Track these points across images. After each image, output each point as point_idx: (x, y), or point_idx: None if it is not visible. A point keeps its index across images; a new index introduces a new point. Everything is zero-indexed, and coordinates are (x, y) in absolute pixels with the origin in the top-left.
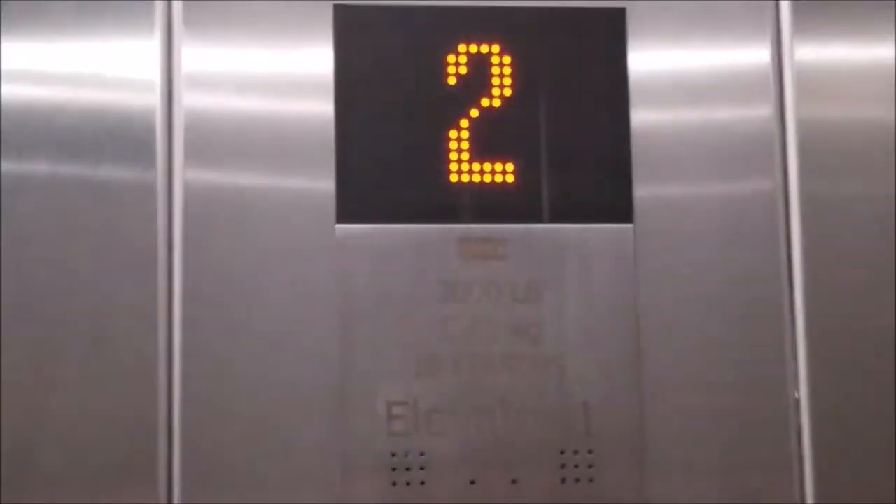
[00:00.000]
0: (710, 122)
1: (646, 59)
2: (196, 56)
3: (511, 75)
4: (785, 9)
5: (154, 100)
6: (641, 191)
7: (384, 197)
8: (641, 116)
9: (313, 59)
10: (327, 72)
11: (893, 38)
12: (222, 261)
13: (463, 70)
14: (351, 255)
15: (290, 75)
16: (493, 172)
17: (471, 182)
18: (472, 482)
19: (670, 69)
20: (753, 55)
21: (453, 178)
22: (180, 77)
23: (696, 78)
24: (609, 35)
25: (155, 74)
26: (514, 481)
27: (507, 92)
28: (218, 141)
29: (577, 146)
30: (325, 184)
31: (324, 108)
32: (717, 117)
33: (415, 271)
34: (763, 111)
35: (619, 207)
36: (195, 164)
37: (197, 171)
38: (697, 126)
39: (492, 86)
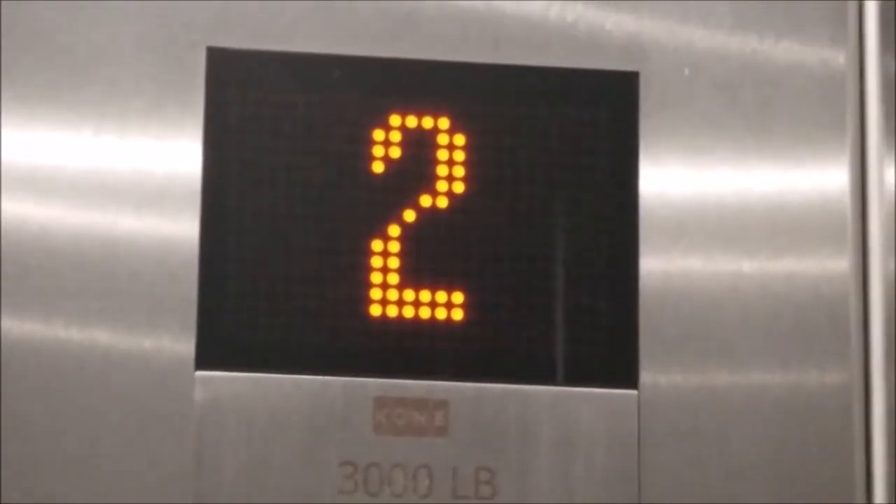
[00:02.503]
0: (760, 276)
1: (665, 164)
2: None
3: (465, 163)
4: (873, 103)
5: None
6: (653, 346)
7: (265, 334)
8: (653, 246)
9: (172, 137)
10: (192, 156)
11: None
12: (17, 441)
13: (395, 152)
14: (215, 417)
15: (138, 162)
16: (433, 304)
17: (399, 317)
18: None
19: (699, 183)
20: (824, 176)
21: (373, 310)
22: None
23: (737, 202)
24: (611, 118)
25: None
26: None
27: (459, 187)
28: (21, 262)
29: (558, 272)
30: (180, 314)
31: (184, 208)
32: (772, 270)
33: (306, 446)
34: (837, 264)
35: (618, 364)
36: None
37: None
38: (740, 281)
39: (436, 177)
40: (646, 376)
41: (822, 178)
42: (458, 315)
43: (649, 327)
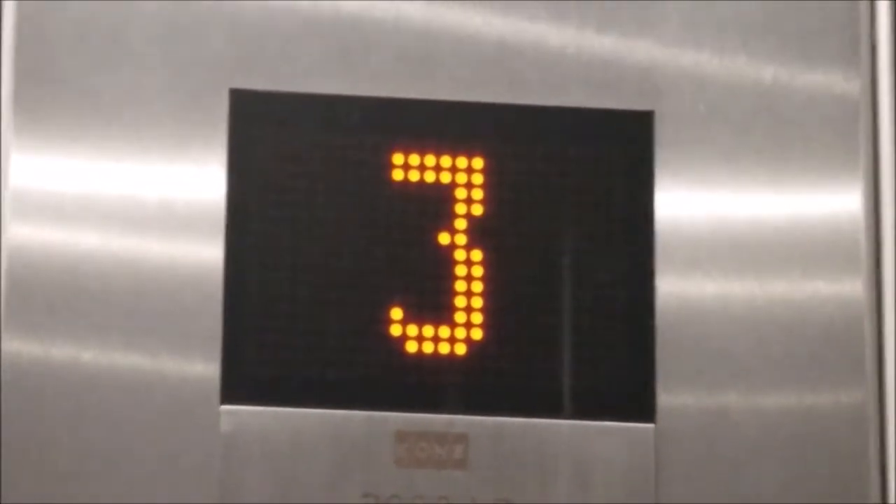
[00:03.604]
0: (768, 297)
1: (680, 200)
2: (29, 166)
3: (482, 201)
4: (886, 129)
5: None
6: (669, 379)
7: (289, 369)
8: (670, 283)
9: (197, 176)
10: (216, 194)
11: None
12: (45, 471)
13: (414, 190)
14: (240, 451)
15: (163, 199)
16: (451, 340)
17: (420, 352)
18: None
19: (714, 215)
20: (838, 201)
21: (395, 345)
22: (4, 195)
23: (751, 231)
24: (627, 156)
25: None
26: None
27: (477, 225)
28: (51, 290)
29: (576, 308)
30: (205, 349)
31: (208, 245)
32: (779, 291)
33: (329, 478)
34: (850, 286)
35: (635, 399)
36: (17, 324)
37: (17, 337)
38: (751, 302)
39: (455, 215)
40: (663, 410)
41: (835, 205)
42: (477, 350)
43: (666, 361)
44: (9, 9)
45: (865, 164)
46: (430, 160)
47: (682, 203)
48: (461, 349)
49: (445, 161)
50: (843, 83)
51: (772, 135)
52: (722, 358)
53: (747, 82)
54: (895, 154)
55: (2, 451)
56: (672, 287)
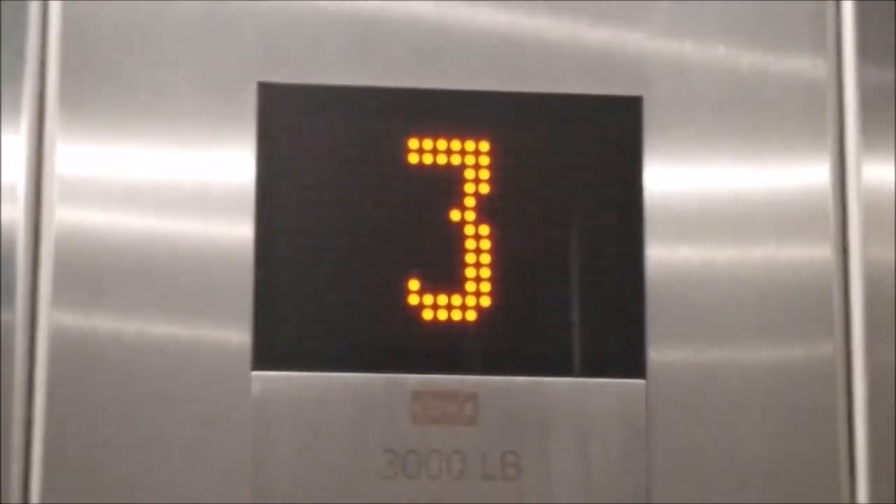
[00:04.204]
0: (747, 262)
1: (667, 176)
2: (75, 156)
3: (489, 180)
4: (851, 110)
5: (15, 213)
6: (658, 338)
7: (315, 337)
8: (658, 252)
9: (229, 163)
10: (246, 179)
11: None
12: (91, 434)
13: (428, 171)
14: (270, 412)
15: (198, 184)
16: (463, 307)
17: (434, 319)
18: None
19: (698, 189)
20: (809, 174)
21: (412, 313)
22: (52, 182)
23: (731, 203)
24: (619, 138)
25: (19, 177)
26: None
27: (484, 202)
28: (96, 269)
29: (574, 276)
30: (238, 321)
31: (240, 226)
32: (757, 256)
33: (352, 436)
34: (820, 251)
35: (628, 358)
36: (65, 300)
37: (65, 312)
38: (732, 267)
39: (464, 194)
40: (653, 367)
41: (806, 179)
42: (486, 316)
43: (656, 323)
44: (55, 8)
45: (832, 142)
46: (442, 144)
47: (668, 179)
48: (472, 315)
49: (455, 145)
50: (811, 70)
51: (749, 117)
52: (706, 319)
53: (726, 70)
54: (858, 133)
55: (50, 417)
56: (661, 255)
